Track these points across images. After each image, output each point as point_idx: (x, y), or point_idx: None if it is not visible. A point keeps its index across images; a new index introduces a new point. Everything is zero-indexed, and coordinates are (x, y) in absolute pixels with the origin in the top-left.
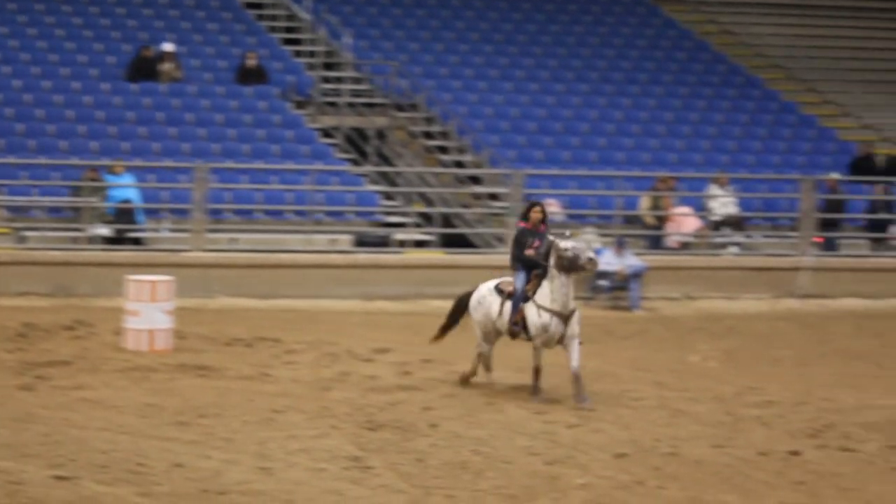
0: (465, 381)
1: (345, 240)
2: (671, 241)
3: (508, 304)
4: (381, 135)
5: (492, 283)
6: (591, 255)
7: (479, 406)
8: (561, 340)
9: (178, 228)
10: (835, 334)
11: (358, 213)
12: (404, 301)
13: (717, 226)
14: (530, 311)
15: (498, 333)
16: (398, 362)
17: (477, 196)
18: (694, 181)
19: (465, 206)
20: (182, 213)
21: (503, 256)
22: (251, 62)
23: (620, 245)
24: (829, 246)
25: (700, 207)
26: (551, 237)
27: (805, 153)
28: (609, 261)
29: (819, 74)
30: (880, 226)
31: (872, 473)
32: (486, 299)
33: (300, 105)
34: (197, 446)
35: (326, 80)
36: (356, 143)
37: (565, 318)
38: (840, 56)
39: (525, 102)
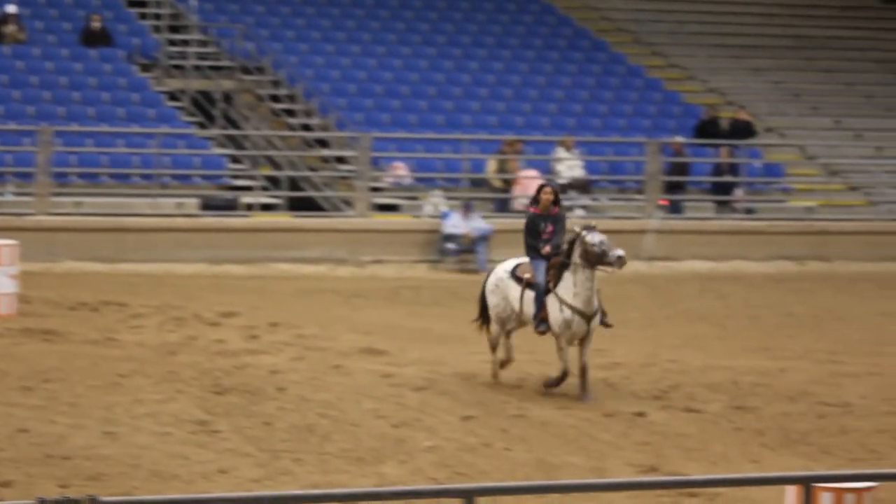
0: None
1: (191, 203)
2: (518, 204)
3: (529, 294)
4: (227, 98)
5: (509, 265)
6: (621, 252)
7: (326, 370)
8: (583, 339)
9: (22, 192)
10: (680, 296)
11: (204, 177)
12: (251, 265)
13: (563, 189)
14: (552, 305)
15: (519, 322)
16: (245, 326)
17: (324, 159)
18: (541, 144)
19: (312, 169)
20: (26, 177)
21: (351, 220)
22: (96, 24)
23: (467, 208)
24: (675, 209)
25: (547, 170)
26: (578, 229)
27: (651, 116)
28: (456, 224)
29: (665, 38)
30: (725, 188)
31: (716, 434)
32: (504, 283)
33: (146, 68)
34: (41, 411)
35: (172, 42)
36: (203, 106)
37: (588, 318)
38: (685, 20)
39: (372, 66)
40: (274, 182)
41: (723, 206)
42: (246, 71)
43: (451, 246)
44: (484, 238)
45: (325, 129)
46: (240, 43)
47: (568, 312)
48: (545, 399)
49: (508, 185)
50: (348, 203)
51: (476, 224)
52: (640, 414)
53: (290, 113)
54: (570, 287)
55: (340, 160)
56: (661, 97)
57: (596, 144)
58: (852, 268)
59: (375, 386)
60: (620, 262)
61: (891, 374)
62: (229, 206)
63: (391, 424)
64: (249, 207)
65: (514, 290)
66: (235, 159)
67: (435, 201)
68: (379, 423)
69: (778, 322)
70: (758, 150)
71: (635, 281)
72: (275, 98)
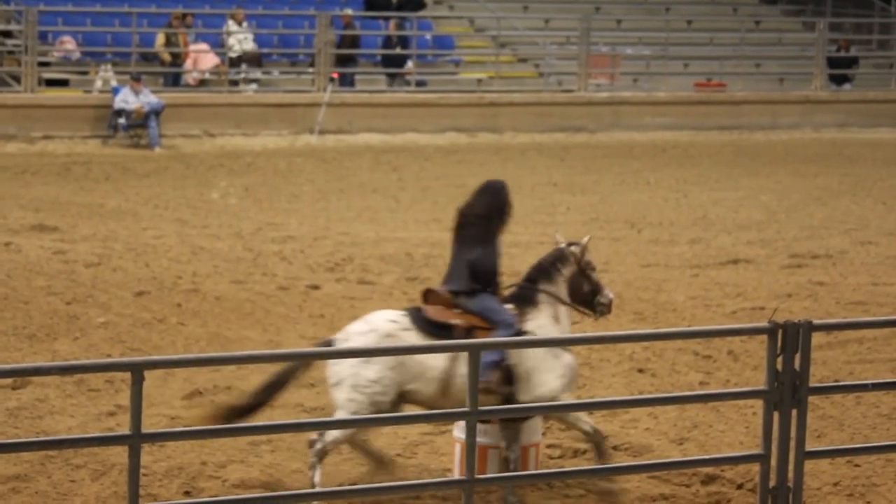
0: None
1: None
2: (189, 78)
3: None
4: None
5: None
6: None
7: None
8: None
9: None
10: (353, 169)
11: None
12: None
13: (234, 62)
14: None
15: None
16: None
17: None
18: (210, 17)
19: None
20: None
21: (19, 95)
22: None
23: (137, 81)
24: (346, 81)
25: (218, 44)
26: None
27: None
28: (126, 98)
29: None
30: (396, 61)
31: (390, 304)
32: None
33: None
34: None
35: None
36: None
37: None
38: None
39: None
40: None
41: (394, 78)
42: None
43: (122, 121)
44: (156, 112)
45: None
46: None
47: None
48: (219, 274)
49: (178, 59)
50: (16, 78)
51: (147, 99)
52: (315, 286)
53: None
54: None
55: (6, 34)
56: None
57: (266, 17)
58: (521, 139)
59: (47, 262)
60: (609, 308)
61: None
62: None
63: (64, 301)
64: None
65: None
66: None
67: (105, 76)
68: (51, 300)
69: (450, 193)
70: (428, 21)
71: (307, 154)
72: None
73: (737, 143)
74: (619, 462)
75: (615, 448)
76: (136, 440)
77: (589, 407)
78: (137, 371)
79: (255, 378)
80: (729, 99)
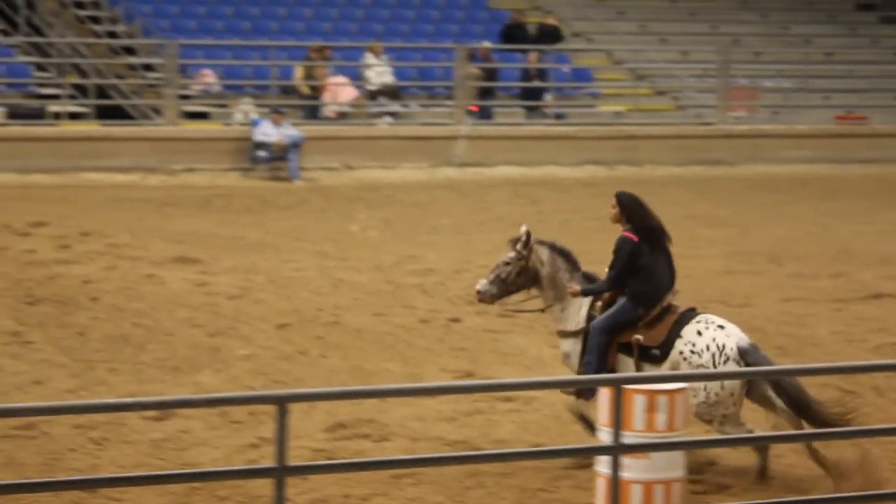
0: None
1: None
2: (328, 110)
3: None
4: (30, 4)
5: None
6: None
7: (139, 279)
8: None
9: None
10: (492, 202)
11: (9, 85)
12: (60, 174)
13: (373, 95)
14: None
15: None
16: (56, 236)
17: (131, 67)
18: (349, 50)
19: (118, 77)
20: None
21: (161, 128)
22: None
23: (278, 114)
24: (485, 114)
25: (356, 77)
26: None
27: (458, 21)
28: (266, 132)
29: None
30: (534, 94)
31: (532, 338)
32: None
33: None
34: None
35: None
36: (5, 12)
37: None
38: None
39: None
40: (81, 90)
41: (532, 111)
42: None
43: (262, 154)
44: (295, 145)
45: (130, 35)
46: None
47: None
48: (359, 307)
49: (317, 91)
50: (157, 111)
51: (287, 131)
52: (455, 319)
53: (95, 20)
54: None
55: (148, 67)
56: (467, 2)
57: (404, 50)
58: (661, 171)
59: (189, 294)
60: None
61: (700, 277)
62: (36, 115)
63: (206, 333)
64: (57, 116)
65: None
66: (41, 67)
67: (244, 108)
68: (194, 332)
69: (589, 226)
70: (565, 55)
71: (446, 187)
72: (78, 4)
73: (878, 176)
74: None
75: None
76: (281, 473)
77: (732, 443)
78: (282, 404)
79: (396, 411)
80: (870, 132)
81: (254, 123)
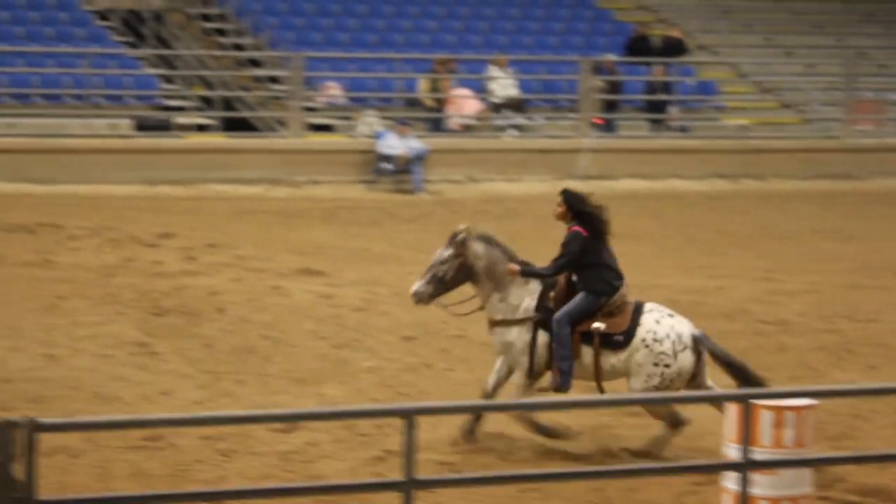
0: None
1: (124, 124)
2: (452, 123)
3: None
4: (158, 17)
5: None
6: None
7: (265, 291)
8: None
9: None
10: (615, 215)
11: (137, 97)
12: (187, 186)
13: (497, 108)
14: None
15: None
16: (182, 247)
17: (257, 79)
18: (473, 63)
19: (244, 89)
20: None
21: (286, 140)
22: None
23: (404, 126)
24: (609, 127)
25: (480, 89)
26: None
27: (582, 34)
28: (391, 144)
29: None
30: (658, 107)
31: None
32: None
33: None
34: None
35: None
36: (133, 25)
37: None
38: None
39: None
40: (207, 102)
41: (657, 124)
42: None
43: (386, 166)
44: (419, 158)
45: (257, 48)
46: None
47: None
48: (484, 319)
49: (442, 104)
50: (282, 123)
51: (411, 144)
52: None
53: (221, 32)
54: None
55: (273, 80)
56: (591, 15)
57: (528, 63)
58: (786, 185)
59: (314, 306)
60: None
61: (826, 292)
62: (163, 127)
63: (332, 345)
64: (184, 128)
65: None
66: (168, 79)
67: (369, 121)
68: (319, 344)
69: (714, 240)
70: (690, 67)
71: None
72: (205, 17)
73: None
74: None
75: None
76: (408, 486)
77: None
78: (410, 417)
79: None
80: None
81: (378, 136)
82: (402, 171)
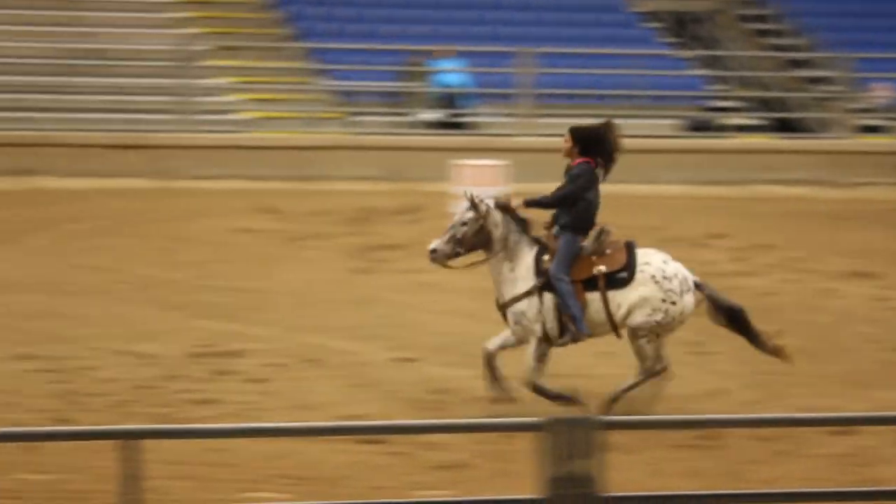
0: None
1: (669, 124)
2: None
3: None
4: (703, 18)
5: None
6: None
7: (816, 292)
8: None
9: (506, 113)
10: None
11: (682, 98)
12: (734, 186)
13: None
14: None
15: None
16: (733, 248)
17: (805, 80)
18: None
19: (789, 90)
20: (506, 98)
21: (834, 141)
22: None
23: None
24: None
25: None
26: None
27: None
28: None
29: None
30: None
31: None
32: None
33: None
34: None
35: None
36: (678, 27)
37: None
38: None
39: None
40: (753, 103)
41: None
42: None
43: None
44: None
45: (805, 49)
46: None
47: None
48: None
49: None
50: (828, 124)
51: None
52: None
53: (767, 33)
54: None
55: (819, 80)
56: None
57: None
58: None
59: (868, 309)
60: None
61: None
62: (707, 128)
63: (884, 349)
64: (738, 129)
65: None
66: (716, 79)
67: None
68: (872, 347)
69: None
70: None
71: None
72: (759, 18)
73: None
74: None
75: None
76: None
77: None
78: None
79: None
80: None
81: None
82: None
